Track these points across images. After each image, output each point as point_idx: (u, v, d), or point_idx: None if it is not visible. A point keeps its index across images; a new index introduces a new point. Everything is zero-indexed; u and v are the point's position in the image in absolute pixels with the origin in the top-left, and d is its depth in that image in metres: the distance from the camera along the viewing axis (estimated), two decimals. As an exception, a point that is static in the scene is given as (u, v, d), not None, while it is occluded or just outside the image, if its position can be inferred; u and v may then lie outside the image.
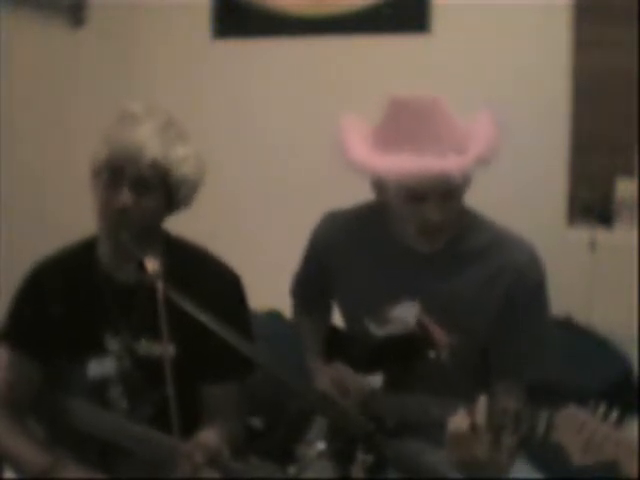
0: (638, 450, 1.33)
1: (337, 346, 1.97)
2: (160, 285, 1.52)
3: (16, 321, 1.85)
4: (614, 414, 1.37)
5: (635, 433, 1.35)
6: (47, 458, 1.74)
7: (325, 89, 3.25)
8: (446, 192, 1.67)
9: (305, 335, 2.05)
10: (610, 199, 2.94)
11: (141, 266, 1.56)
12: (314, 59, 3.26)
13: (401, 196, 1.69)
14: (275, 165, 3.34)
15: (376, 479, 1.58)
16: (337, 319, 2.04)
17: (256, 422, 2.06)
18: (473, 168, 1.66)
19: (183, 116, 1.79)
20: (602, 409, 1.37)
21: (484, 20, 3.04)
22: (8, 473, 1.80)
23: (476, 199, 1.79)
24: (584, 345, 2.69)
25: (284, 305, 2.22)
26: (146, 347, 1.77)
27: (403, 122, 1.69)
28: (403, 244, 1.81)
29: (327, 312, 2.08)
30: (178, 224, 1.83)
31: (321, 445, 1.68)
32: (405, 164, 1.64)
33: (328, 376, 1.87)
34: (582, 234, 2.89)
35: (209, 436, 1.68)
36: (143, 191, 1.69)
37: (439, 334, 1.77)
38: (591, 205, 2.99)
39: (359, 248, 1.88)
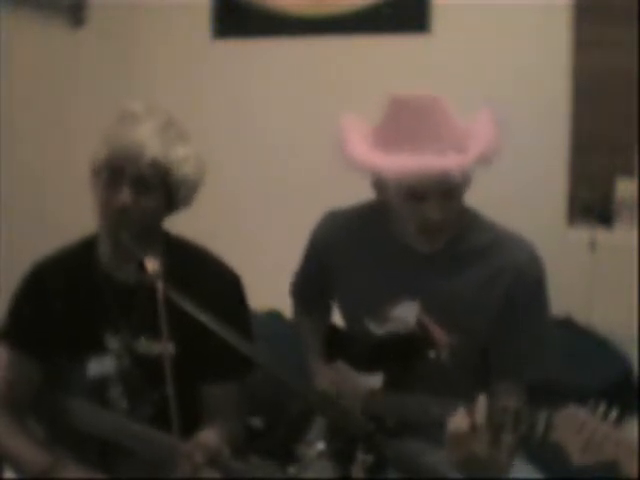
0: (638, 450, 1.33)
1: (337, 346, 1.97)
2: (160, 285, 1.52)
3: (16, 320, 1.85)
4: (613, 414, 1.37)
5: (635, 433, 1.35)
6: (47, 458, 1.74)
7: (325, 89, 3.25)
8: (446, 191, 1.67)
9: (305, 335, 2.05)
10: (610, 199, 2.95)
11: (141, 266, 1.56)
12: (314, 59, 3.26)
13: (401, 195, 1.69)
14: (275, 165, 3.34)
15: (376, 479, 1.58)
16: (337, 319, 2.04)
17: (256, 422, 2.06)
18: (473, 167, 1.66)
19: (183, 116, 1.79)
20: (602, 409, 1.37)
21: (484, 20, 3.04)
22: (8, 473, 1.80)
23: (476, 199, 1.79)
24: (584, 345, 2.70)
25: (284, 305, 2.22)
26: (146, 346, 1.77)
27: (403, 121, 1.69)
28: (403, 243, 1.81)
29: (327, 312, 2.08)
30: (178, 224, 1.84)
31: (321, 445, 1.68)
32: (405, 163, 1.64)
33: (328, 376, 1.87)
34: (582, 234, 2.89)
35: (209, 436, 1.68)
36: (143, 190, 1.69)
37: (439, 334, 1.77)
38: (591, 205, 2.99)
39: (359, 247, 1.88)
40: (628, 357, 2.67)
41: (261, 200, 3.37)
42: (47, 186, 3.35)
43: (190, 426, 1.66)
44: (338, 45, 3.22)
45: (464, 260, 1.77)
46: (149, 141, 1.68)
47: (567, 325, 2.76)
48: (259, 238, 3.29)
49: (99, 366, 1.80)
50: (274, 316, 2.86)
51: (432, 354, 1.78)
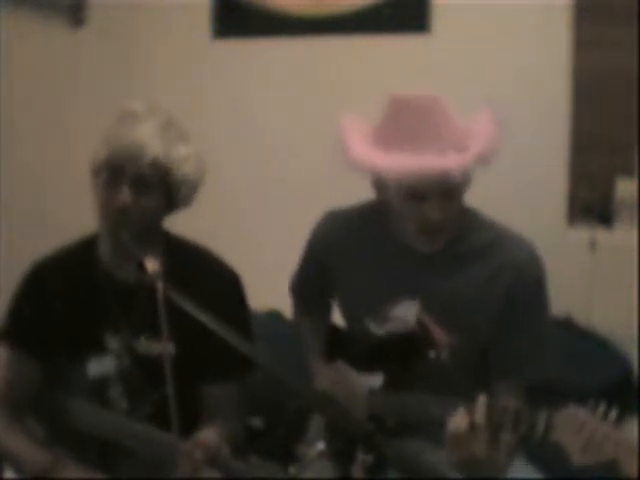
0: (638, 450, 1.33)
1: (337, 345, 1.97)
2: (160, 285, 1.52)
3: (16, 319, 1.85)
4: (613, 414, 1.37)
5: (635, 433, 1.35)
6: (47, 458, 1.74)
7: (325, 89, 3.25)
8: (446, 191, 1.67)
9: (305, 334, 2.05)
10: (610, 199, 2.94)
11: (141, 266, 1.56)
12: (314, 59, 3.26)
13: (401, 195, 1.69)
14: (275, 165, 3.34)
15: (376, 479, 1.58)
16: (337, 318, 2.04)
17: (256, 422, 2.06)
18: (473, 167, 1.66)
19: (183, 116, 1.79)
20: (602, 409, 1.37)
21: (484, 20, 3.04)
22: (8, 473, 1.80)
23: (476, 198, 1.79)
24: (584, 345, 2.69)
25: (284, 305, 2.22)
26: (146, 345, 1.77)
27: (403, 121, 1.69)
28: (403, 243, 1.81)
29: (327, 311, 2.08)
30: (178, 224, 1.84)
31: (321, 445, 1.68)
32: (405, 162, 1.64)
33: (328, 376, 1.87)
34: (582, 234, 2.89)
35: (209, 435, 1.68)
36: (143, 190, 1.69)
37: (439, 333, 1.77)
38: (591, 205, 2.99)
39: (359, 247, 1.88)
40: (628, 357, 2.67)
41: (261, 200, 3.37)
42: (47, 186, 3.34)
43: (190, 426, 1.65)
44: (338, 45, 3.22)
45: (464, 260, 1.77)
46: (150, 141, 1.68)
47: (567, 325, 2.76)
48: (259, 238, 3.29)
49: (99, 366, 1.80)
50: (274, 316, 2.85)
51: (432, 354, 1.78)
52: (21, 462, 1.76)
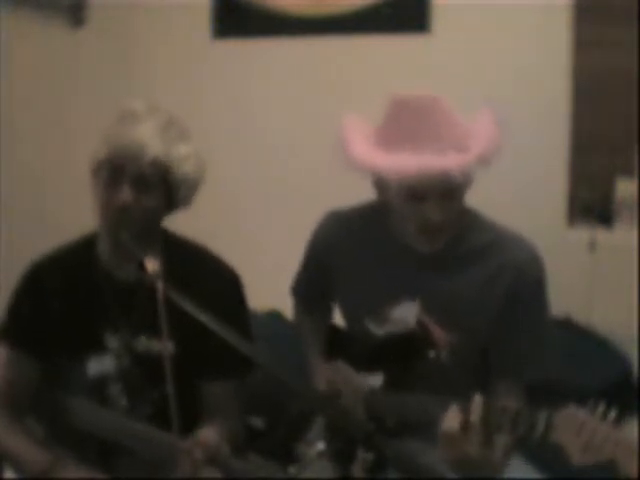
0: (638, 450, 1.33)
1: (338, 345, 1.97)
2: (160, 285, 1.52)
3: (15, 318, 1.85)
4: (613, 414, 1.37)
5: (635, 433, 1.35)
6: (47, 458, 1.74)
7: (325, 89, 3.25)
8: (447, 191, 1.67)
9: (306, 334, 2.05)
10: (610, 199, 2.95)
11: (141, 266, 1.56)
12: (314, 59, 3.26)
13: (402, 195, 1.69)
14: (275, 165, 3.34)
15: (376, 479, 1.58)
16: (338, 319, 2.04)
17: (257, 422, 2.06)
18: (474, 167, 1.66)
19: (183, 116, 1.79)
20: (601, 409, 1.37)
21: (484, 20, 3.04)
22: (8, 473, 1.80)
23: (476, 199, 1.79)
24: (584, 345, 2.69)
25: (284, 305, 2.22)
26: (145, 344, 1.77)
27: (404, 121, 1.69)
28: (404, 244, 1.81)
29: (328, 312, 2.08)
30: (178, 223, 1.84)
31: (321, 445, 1.68)
32: (405, 163, 1.64)
33: (328, 376, 1.87)
34: (582, 234, 2.89)
35: (209, 434, 1.68)
36: (143, 189, 1.69)
37: (439, 334, 1.77)
38: (591, 205, 2.99)
39: (360, 248, 1.88)
40: (628, 357, 2.67)
41: (261, 200, 3.37)
42: (47, 186, 3.35)
43: (190, 425, 1.66)
44: (338, 45, 3.22)
45: (464, 260, 1.77)
46: (150, 140, 1.68)
47: (567, 325, 2.76)
48: (259, 238, 3.29)
49: (99, 365, 1.80)
50: (274, 316, 2.85)
51: (432, 354, 1.78)
52: (21, 462, 1.76)
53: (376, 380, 1.78)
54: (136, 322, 1.77)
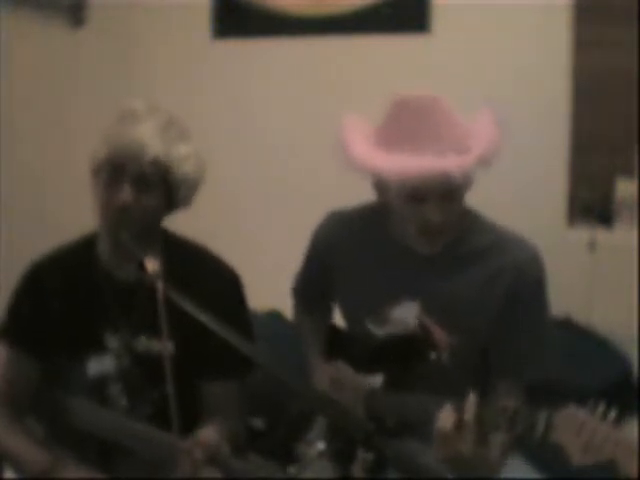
0: (638, 450, 1.33)
1: (338, 346, 1.97)
2: (160, 285, 1.52)
3: (15, 318, 1.85)
4: (613, 414, 1.37)
5: (635, 433, 1.35)
6: (47, 458, 1.73)
7: (325, 89, 3.25)
8: (447, 192, 1.67)
9: (306, 335, 2.05)
10: (610, 199, 2.95)
11: (141, 266, 1.56)
12: (314, 59, 3.27)
13: (402, 196, 1.69)
14: (275, 165, 3.34)
15: (376, 479, 1.58)
16: (338, 319, 2.04)
17: (257, 422, 2.06)
18: (474, 168, 1.66)
19: (183, 116, 1.79)
20: (601, 409, 1.37)
21: (484, 20, 3.04)
22: (8, 473, 1.80)
23: (476, 199, 1.79)
24: (584, 345, 2.70)
25: (284, 305, 2.22)
26: (145, 344, 1.77)
27: (404, 121, 1.69)
28: (404, 245, 1.81)
29: (328, 312, 2.08)
30: (178, 223, 1.83)
31: (321, 445, 1.68)
32: (405, 164, 1.63)
33: (328, 376, 1.87)
34: (582, 234, 2.89)
35: (209, 434, 1.68)
36: (144, 189, 1.69)
37: (439, 335, 1.77)
38: (591, 205, 2.99)
39: (361, 248, 1.88)
40: (628, 357, 2.67)
41: (261, 200, 3.37)
42: (47, 186, 3.35)
43: (190, 425, 1.65)
44: (338, 45, 3.23)
45: (464, 261, 1.77)
46: (150, 140, 1.68)
47: (567, 325, 2.76)
48: (259, 238, 3.29)
49: (99, 365, 1.80)
50: (274, 316, 2.85)
51: (432, 355, 1.78)
52: (21, 462, 1.76)
53: (376, 380, 1.78)
54: (136, 322, 1.77)
